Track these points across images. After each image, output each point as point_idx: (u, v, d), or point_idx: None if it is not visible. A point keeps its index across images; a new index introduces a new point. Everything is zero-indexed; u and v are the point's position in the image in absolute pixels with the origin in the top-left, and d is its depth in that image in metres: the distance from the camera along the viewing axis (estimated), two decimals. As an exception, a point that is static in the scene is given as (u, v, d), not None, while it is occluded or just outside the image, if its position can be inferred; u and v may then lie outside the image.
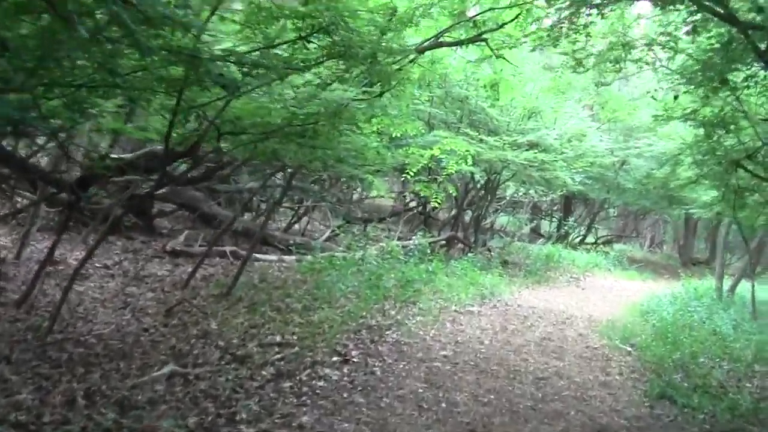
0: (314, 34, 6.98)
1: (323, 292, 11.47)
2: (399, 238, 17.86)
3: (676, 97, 9.80)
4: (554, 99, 19.44)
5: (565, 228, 28.04)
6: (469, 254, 18.20)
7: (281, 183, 16.64)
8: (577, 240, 29.01)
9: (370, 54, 7.85)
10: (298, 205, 18.86)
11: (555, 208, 33.08)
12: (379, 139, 11.96)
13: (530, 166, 17.76)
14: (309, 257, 14.01)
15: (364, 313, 10.68)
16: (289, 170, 12.33)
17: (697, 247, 36.04)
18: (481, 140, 16.45)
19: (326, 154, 9.83)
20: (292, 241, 15.26)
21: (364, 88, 9.46)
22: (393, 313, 11.16)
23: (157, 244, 13.93)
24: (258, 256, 13.98)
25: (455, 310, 12.35)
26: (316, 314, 10.17)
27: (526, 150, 17.23)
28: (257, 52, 6.75)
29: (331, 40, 7.19)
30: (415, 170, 14.58)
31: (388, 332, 9.95)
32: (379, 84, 10.30)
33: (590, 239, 31.42)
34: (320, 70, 7.81)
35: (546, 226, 33.23)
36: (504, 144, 16.82)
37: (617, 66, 9.89)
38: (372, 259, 14.21)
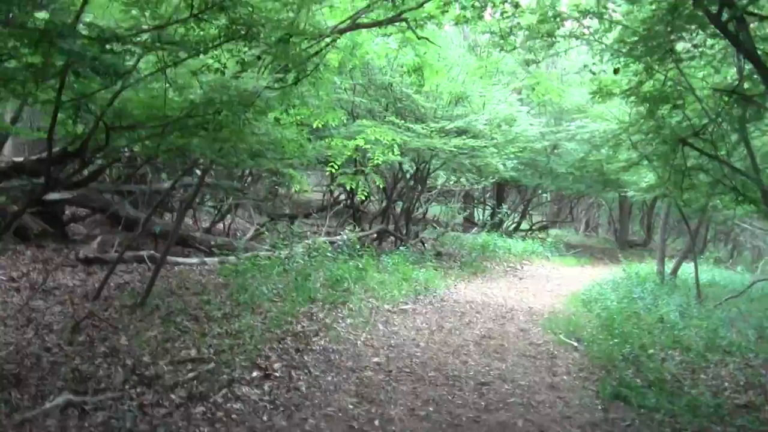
0: (209, 11, 6.09)
1: (246, 297, 10.54)
2: (327, 234, 17.04)
3: (616, 71, 8.99)
4: (482, 83, 18.74)
5: (499, 215, 27.38)
6: (402, 247, 17.38)
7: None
8: (512, 227, 28.38)
9: (278, 36, 7.05)
10: (220, 204, 17.86)
11: (488, 195, 32.49)
12: (298, 131, 11.21)
13: (460, 154, 17.10)
14: (232, 258, 13.10)
15: (290, 319, 9.83)
16: (201, 167, 11.38)
17: (632, 229, 35.79)
18: (407, 128, 15.72)
19: (237, 147, 9.00)
20: (212, 242, 14.31)
21: (277, 75, 8.76)
22: (321, 316, 10.30)
23: (70, 251, 12.88)
24: (178, 259, 13.10)
25: (388, 310, 11.54)
26: (237, 322, 9.29)
27: (455, 137, 16.56)
28: (147, 34, 5.88)
29: (228, 18, 6.31)
30: (339, 162, 13.82)
31: (315, 339, 9.09)
32: (293, 71, 9.65)
33: (525, 226, 30.82)
34: (218, 52, 6.84)
35: (479, 214, 32.61)
36: (431, 131, 16.12)
37: (549, 40, 9.06)
38: (298, 258, 13.34)
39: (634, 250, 30.58)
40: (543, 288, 16.63)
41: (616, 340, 10.06)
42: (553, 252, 24.12)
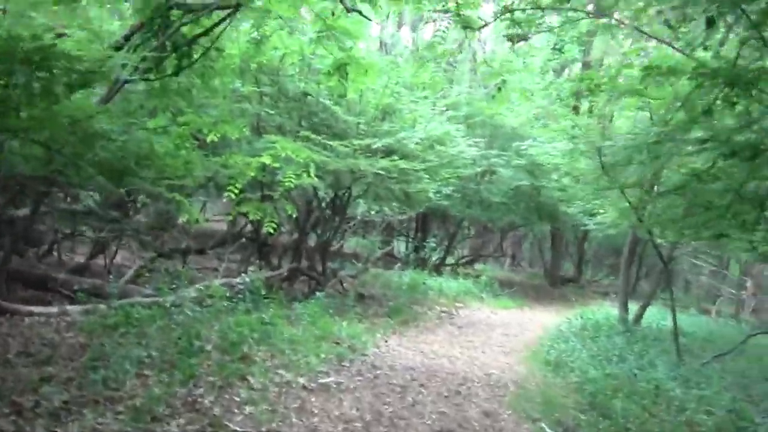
0: None
1: (100, 375, 7.27)
2: (227, 274, 13.87)
3: (710, 22, 5.89)
4: (412, 95, 15.87)
5: (426, 250, 24.49)
6: (318, 291, 14.16)
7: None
8: (437, 262, 25.47)
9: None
10: (98, 236, 14.40)
11: (410, 227, 29.55)
12: (179, 140, 8.33)
13: (389, 178, 14.14)
14: (103, 307, 9.82)
15: (161, 410, 6.69)
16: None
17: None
18: (325, 146, 12.76)
19: (78, 157, 5.94)
20: (77, 286, 10.96)
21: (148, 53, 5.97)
22: (208, 403, 7.11)
23: None
24: (32, 308, 9.77)
25: (303, 386, 8.32)
26: (79, 421, 6.13)
27: (382, 157, 13.63)
28: None
29: None
30: (239, 185, 10.78)
31: (192, 451, 6.00)
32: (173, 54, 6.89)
33: (449, 260, 27.96)
34: None
35: (400, 247, 29.69)
36: (355, 149, 13.15)
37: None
38: (187, 308, 10.10)
39: (568, 288, 28.32)
40: (490, 340, 13.74)
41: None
42: (488, 292, 21.28)
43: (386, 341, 12.15)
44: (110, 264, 14.46)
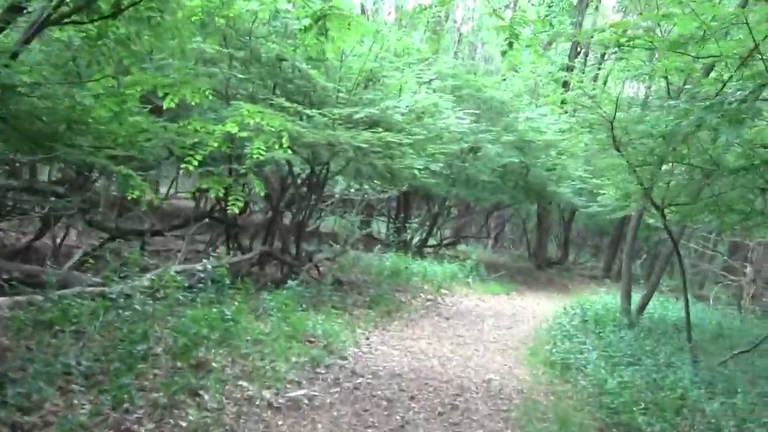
0: None
1: (12, 389, 5.68)
2: (187, 259, 12.29)
3: None
4: (398, 62, 14.36)
5: (409, 231, 22.99)
6: (291, 280, 12.45)
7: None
8: (418, 244, 23.93)
9: None
10: (41, 214, 12.62)
11: (391, 206, 27.91)
12: (121, 101, 6.86)
13: (372, 152, 12.61)
14: (40, 298, 8.25)
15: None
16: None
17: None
18: (301, 116, 11.27)
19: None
20: (6, 275, 9.36)
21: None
22: (151, 425, 5.67)
23: None
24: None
25: (269, 402, 6.85)
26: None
27: (365, 129, 12.10)
28: None
29: None
30: (199, 157, 9.25)
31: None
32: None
33: (431, 242, 26.39)
34: None
35: (380, 227, 28.10)
36: (334, 120, 11.62)
37: None
38: (137, 301, 8.51)
39: (554, 270, 27.16)
40: (482, 335, 12.30)
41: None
42: (474, 276, 19.79)
43: (368, 338, 10.69)
44: (57, 248, 12.70)
